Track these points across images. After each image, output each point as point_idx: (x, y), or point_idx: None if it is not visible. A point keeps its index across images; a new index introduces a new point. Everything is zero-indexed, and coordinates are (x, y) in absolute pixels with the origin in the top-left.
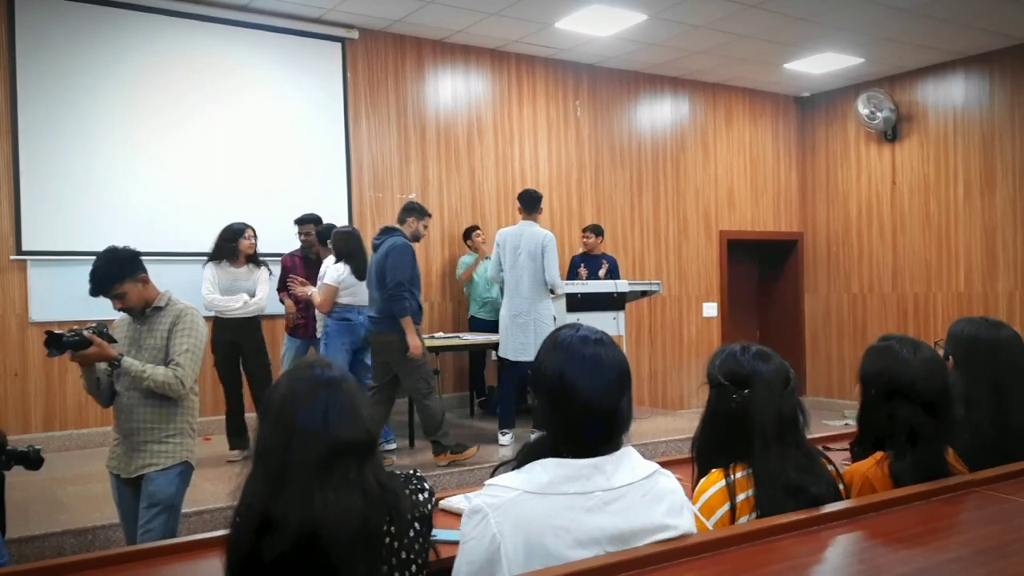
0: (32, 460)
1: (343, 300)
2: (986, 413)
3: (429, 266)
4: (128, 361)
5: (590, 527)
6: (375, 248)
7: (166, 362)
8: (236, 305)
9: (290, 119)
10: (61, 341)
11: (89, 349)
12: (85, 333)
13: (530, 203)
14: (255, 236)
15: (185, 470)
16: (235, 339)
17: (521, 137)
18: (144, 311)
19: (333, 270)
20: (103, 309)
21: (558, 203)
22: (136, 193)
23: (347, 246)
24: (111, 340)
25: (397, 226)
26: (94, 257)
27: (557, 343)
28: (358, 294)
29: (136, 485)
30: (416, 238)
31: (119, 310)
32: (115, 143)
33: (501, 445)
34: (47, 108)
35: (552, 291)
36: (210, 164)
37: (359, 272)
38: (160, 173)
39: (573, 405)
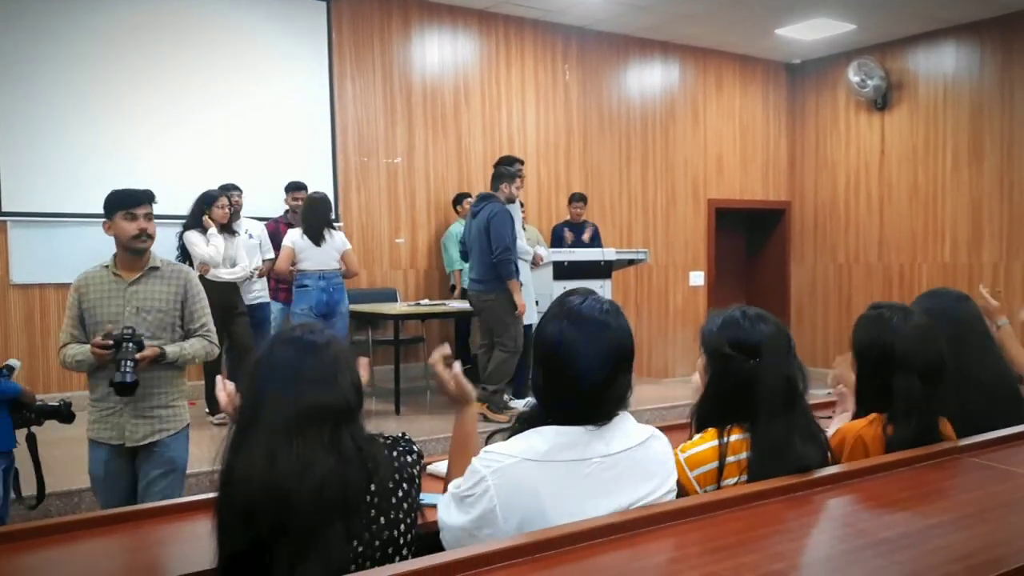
0: (64, 414)
1: (299, 266)
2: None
3: (415, 233)
4: (172, 352)
5: (587, 493)
6: (474, 215)
7: (187, 329)
8: (229, 267)
9: (274, 80)
10: (130, 386)
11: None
12: (133, 358)
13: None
14: (229, 205)
15: (188, 433)
16: (229, 303)
17: (508, 101)
18: (142, 267)
19: (289, 233)
20: (81, 268)
21: (545, 170)
22: (116, 154)
23: (303, 211)
24: (138, 339)
25: (493, 193)
26: (75, 218)
27: (562, 309)
28: (311, 259)
29: (135, 453)
30: (511, 200)
31: (140, 238)
32: (95, 104)
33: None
34: (24, 66)
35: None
36: (192, 126)
37: (310, 236)
38: (140, 134)
39: (567, 377)
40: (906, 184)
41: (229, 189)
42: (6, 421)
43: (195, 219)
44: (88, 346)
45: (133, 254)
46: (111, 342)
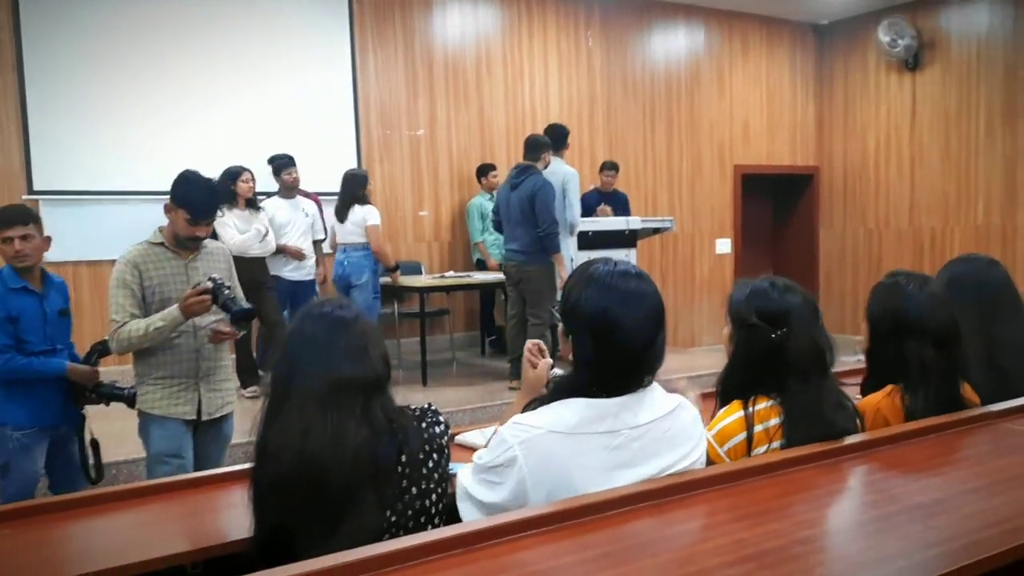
0: (129, 399)
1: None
2: (976, 344)
3: (439, 205)
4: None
5: (615, 464)
6: (513, 187)
7: None
8: (258, 245)
9: (295, 56)
10: (252, 312)
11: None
12: (238, 300)
13: (556, 141)
14: (253, 179)
15: None
16: (255, 278)
17: (531, 70)
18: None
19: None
20: (115, 249)
21: (568, 138)
22: (142, 132)
23: (341, 187)
24: (227, 284)
25: (532, 164)
26: (106, 195)
27: (594, 278)
28: (338, 234)
29: (197, 427)
30: (546, 166)
31: (192, 240)
32: (122, 83)
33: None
34: (52, 43)
35: (571, 229)
36: (216, 101)
37: (336, 212)
38: (165, 113)
39: (614, 341)
40: (938, 146)
41: (286, 164)
42: (54, 397)
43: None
44: (169, 310)
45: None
46: (209, 286)
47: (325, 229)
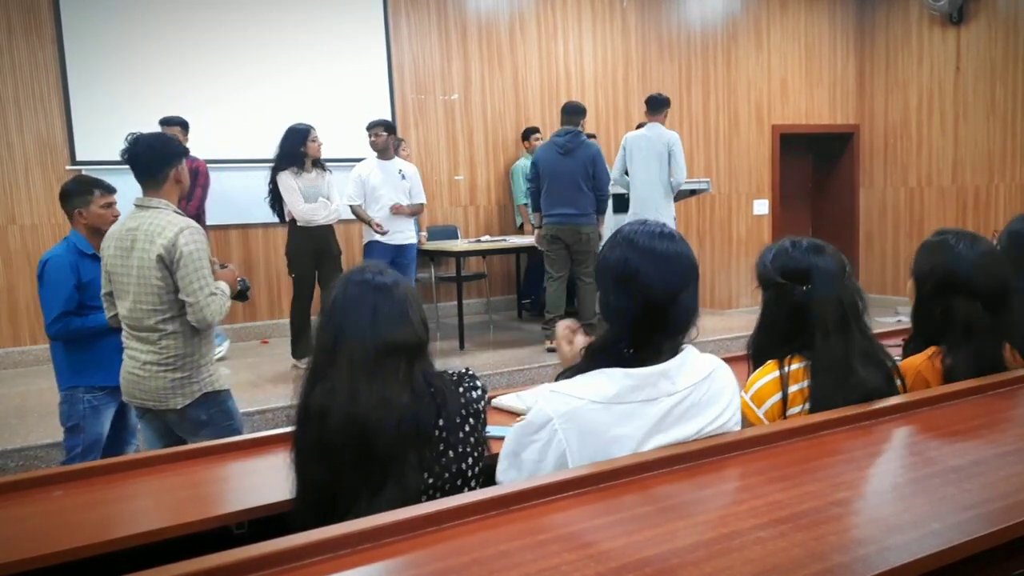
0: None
1: None
2: None
3: (474, 169)
4: None
5: (653, 430)
6: (565, 152)
7: None
8: (324, 213)
9: (329, 22)
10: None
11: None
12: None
13: (657, 106)
14: (318, 138)
15: None
16: (319, 247)
17: (565, 31)
18: None
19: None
20: None
21: (603, 100)
22: (181, 102)
23: None
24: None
25: (578, 129)
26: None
27: (621, 234)
28: None
29: None
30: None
31: None
32: (157, 51)
33: None
34: (92, 16)
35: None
36: (251, 69)
37: None
38: (202, 79)
39: (635, 290)
40: (983, 101)
41: (370, 127)
42: (119, 359)
43: (287, 159)
44: (222, 284)
45: None
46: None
47: (424, 193)
